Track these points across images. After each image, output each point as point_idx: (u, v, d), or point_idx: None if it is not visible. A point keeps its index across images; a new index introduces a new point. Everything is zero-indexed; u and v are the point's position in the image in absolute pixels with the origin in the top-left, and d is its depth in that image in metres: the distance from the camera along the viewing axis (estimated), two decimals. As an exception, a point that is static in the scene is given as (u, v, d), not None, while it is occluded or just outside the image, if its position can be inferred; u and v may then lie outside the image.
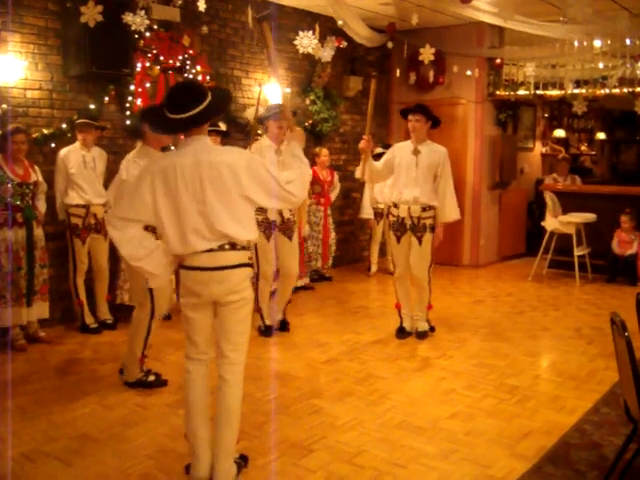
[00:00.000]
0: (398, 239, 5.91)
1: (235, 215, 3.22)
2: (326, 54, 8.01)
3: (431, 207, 5.80)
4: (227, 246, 3.22)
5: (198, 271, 3.23)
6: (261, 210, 5.63)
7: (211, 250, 3.20)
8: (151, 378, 4.77)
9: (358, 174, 6.07)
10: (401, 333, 6.08)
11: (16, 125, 5.60)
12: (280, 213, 5.93)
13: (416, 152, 5.75)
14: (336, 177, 8.63)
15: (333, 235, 8.56)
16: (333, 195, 8.58)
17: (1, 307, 5.46)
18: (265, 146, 5.81)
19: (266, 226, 5.90)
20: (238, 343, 3.34)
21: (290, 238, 6.06)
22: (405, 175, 5.77)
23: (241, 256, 3.28)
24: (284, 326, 6.27)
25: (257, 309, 6.05)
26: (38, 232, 5.71)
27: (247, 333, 3.39)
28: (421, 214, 5.77)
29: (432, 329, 6.16)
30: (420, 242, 5.80)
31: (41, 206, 5.81)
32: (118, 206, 3.44)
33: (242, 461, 3.52)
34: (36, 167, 5.80)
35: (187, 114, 3.15)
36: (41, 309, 5.77)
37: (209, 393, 3.44)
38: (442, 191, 5.81)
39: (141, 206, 3.22)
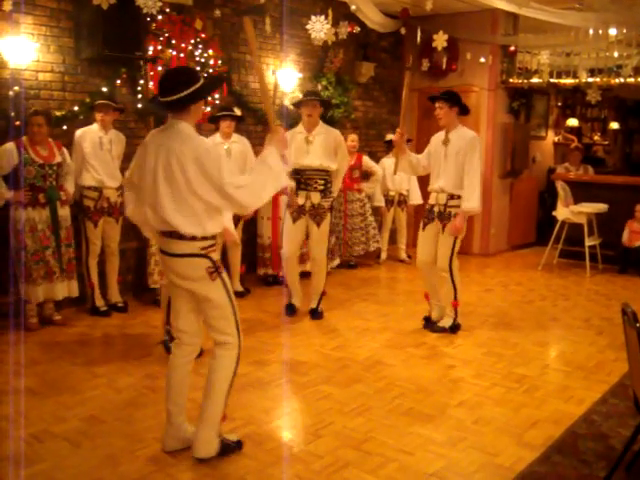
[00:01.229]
0: (424, 225, 5.83)
1: (180, 207, 3.21)
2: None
3: (459, 196, 5.62)
4: (174, 234, 3.26)
5: (160, 253, 3.41)
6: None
7: (165, 234, 3.30)
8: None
9: (397, 170, 5.97)
10: (427, 322, 5.99)
11: (35, 108, 5.66)
12: (309, 197, 5.99)
13: (446, 142, 5.65)
14: (369, 162, 8.59)
15: (357, 221, 8.49)
16: (372, 181, 8.57)
17: (30, 284, 5.54)
18: (297, 132, 5.99)
19: (295, 208, 5.98)
20: (218, 327, 3.40)
21: (318, 225, 6.08)
22: (435, 165, 5.72)
23: (187, 246, 3.26)
24: (314, 314, 6.24)
25: (285, 285, 6.32)
26: (63, 212, 5.76)
27: (225, 318, 3.39)
28: (448, 202, 5.64)
29: (453, 329, 5.83)
30: (442, 230, 5.69)
31: (69, 186, 5.85)
32: (129, 170, 3.59)
33: (236, 445, 3.55)
34: (64, 149, 5.84)
35: (168, 98, 3.24)
36: (71, 287, 5.84)
37: (185, 376, 3.54)
38: (464, 178, 5.58)
39: (137, 173, 3.41)
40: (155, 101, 3.43)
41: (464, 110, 5.70)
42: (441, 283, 5.86)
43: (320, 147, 5.95)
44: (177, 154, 3.17)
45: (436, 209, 5.72)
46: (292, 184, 5.96)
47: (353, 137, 8.42)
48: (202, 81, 3.30)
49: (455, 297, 5.79)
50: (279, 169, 3.31)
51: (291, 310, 6.29)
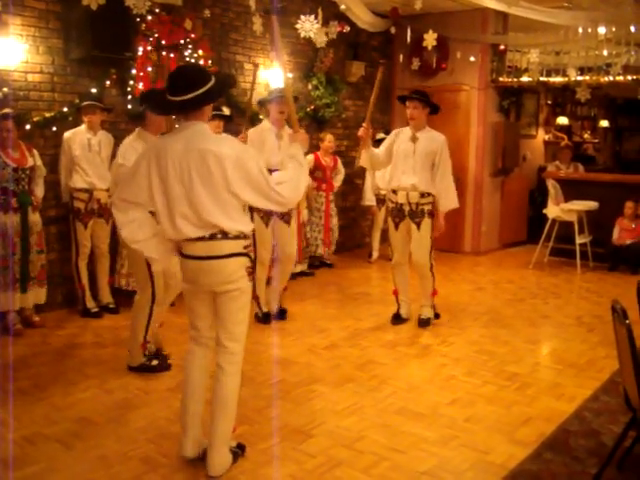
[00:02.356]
0: (396, 225, 5.89)
1: (223, 207, 3.16)
2: (320, 39, 7.86)
3: (429, 193, 5.75)
4: (219, 235, 3.19)
5: (192, 260, 3.24)
6: None
7: (203, 238, 3.19)
8: (154, 362, 4.77)
9: (359, 163, 6.03)
10: (396, 319, 6.09)
11: (4, 111, 5.51)
12: None
13: (414, 139, 5.71)
14: (340, 163, 8.60)
15: (335, 221, 8.52)
16: (337, 181, 8.52)
17: (1, 290, 5.46)
18: (266, 129, 5.81)
19: (265, 212, 5.86)
20: (235, 332, 3.32)
21: (288, 223, 6.02)
22: (403, 162, 5.74)
23: (234, 245, 3.22)
24: (282, 314, 6.21)
25: (254, 296, 5.98)
26: (34, 217, 5.67)
27: (244, 323, 3.36)
28: (419, 200, 5.73)
29: (437, 316, 6.09)
30: (419, 228, 5.77)
31: (38, 191, 5.76)
32: (119, 188, 3.41)
33: (239, 450, 3.51)
34: (35, 151, 5.76)
35: (184, 97, 3.12)
36: (37, 294, 5.74)
37: (207, 374, 3.46)
38: (439, 180, 5.74)
39: (138, 189, 3.23)
40: (163, 100, 3.24)
41: (434, 110, 5.79)
42: (421, 279, 5.96)
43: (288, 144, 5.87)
44: (215, 155, 3.09)
45: (406, 208, 5.80)
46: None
47: (330, 137, 8.30)
48: (213, 80, 3.22)
49: (433, 287, 5.95)
50: (306, 166, 3.49)
51: (268, 318, 6.10)
